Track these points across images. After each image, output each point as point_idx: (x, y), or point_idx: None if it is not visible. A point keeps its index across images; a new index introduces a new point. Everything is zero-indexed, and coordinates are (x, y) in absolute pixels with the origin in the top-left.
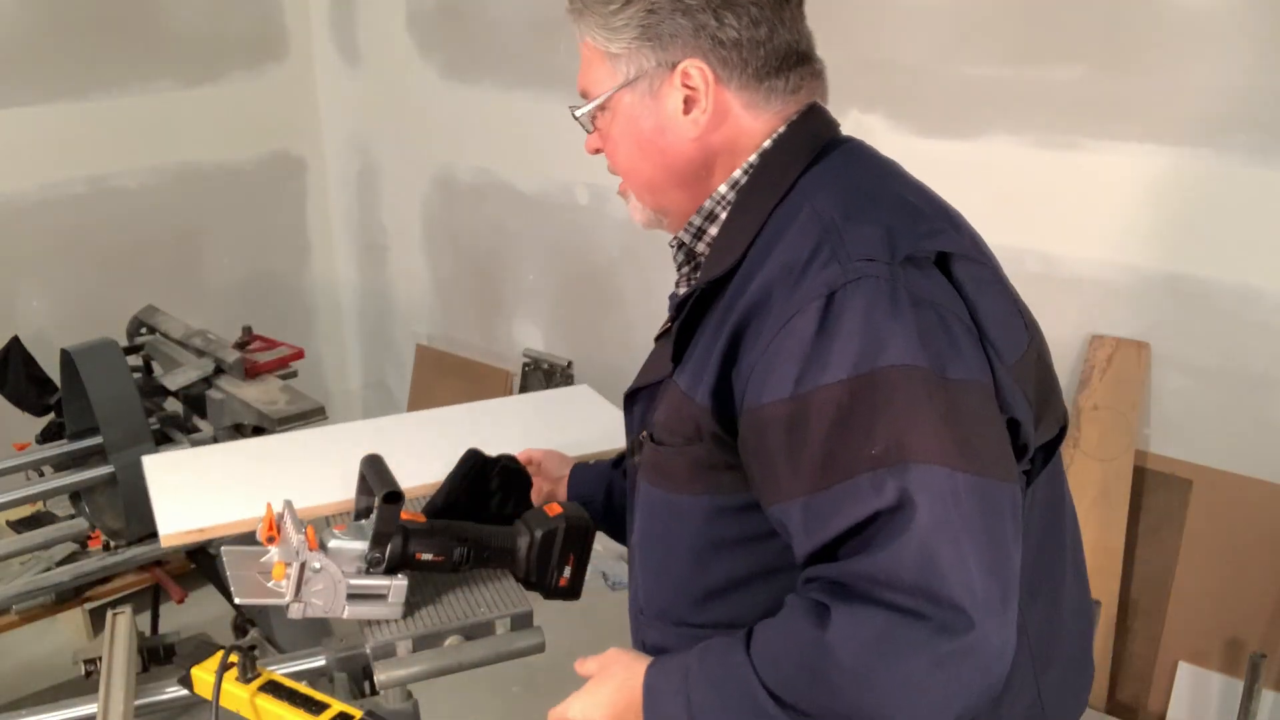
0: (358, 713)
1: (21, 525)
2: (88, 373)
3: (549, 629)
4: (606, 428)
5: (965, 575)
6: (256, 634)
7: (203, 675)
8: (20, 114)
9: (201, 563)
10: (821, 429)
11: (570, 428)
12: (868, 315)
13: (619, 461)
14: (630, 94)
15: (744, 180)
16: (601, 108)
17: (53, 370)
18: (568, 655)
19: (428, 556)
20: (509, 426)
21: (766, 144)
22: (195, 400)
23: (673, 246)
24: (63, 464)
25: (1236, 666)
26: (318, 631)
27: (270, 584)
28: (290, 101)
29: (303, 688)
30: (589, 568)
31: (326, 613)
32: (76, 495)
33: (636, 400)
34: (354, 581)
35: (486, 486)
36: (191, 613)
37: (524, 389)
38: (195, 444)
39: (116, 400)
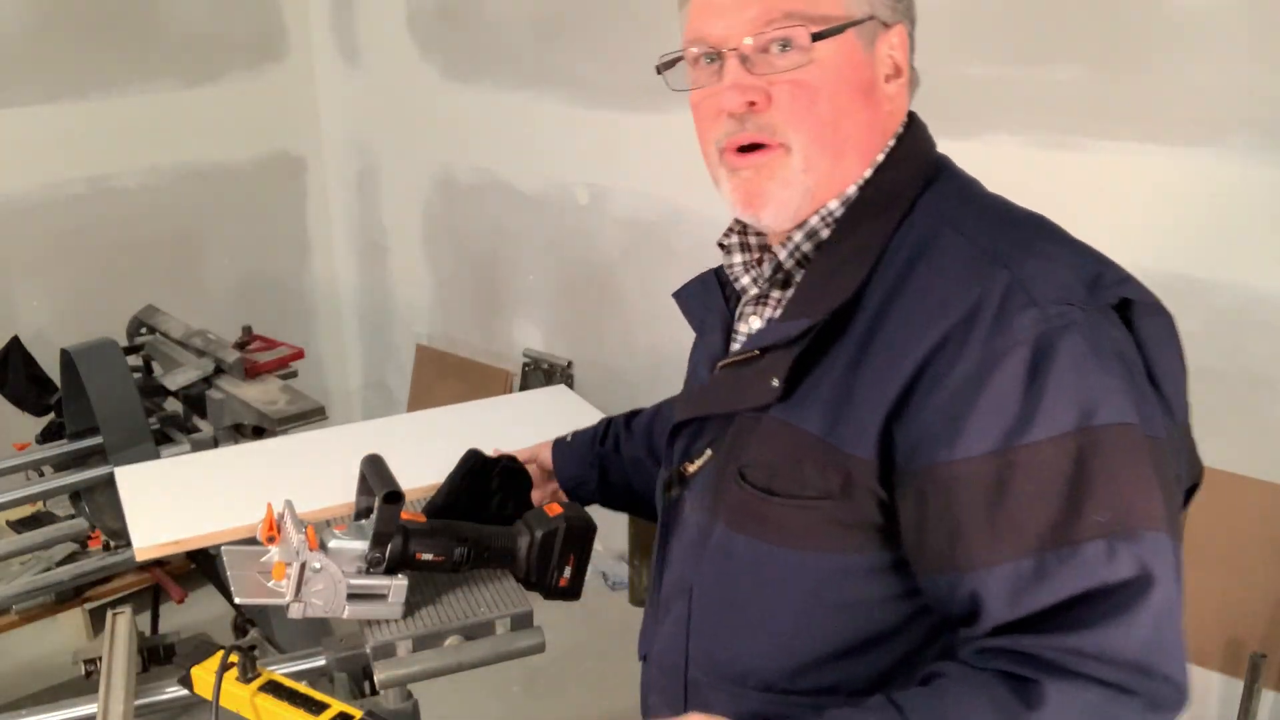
0: (358, 713)
1: (21, 525)
2: (88, 373)
3: (549, 629)
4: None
5: (1180, 648)
6: (256, 634)
7: (203, 675)
8: (20, 114)
9: (201, 563)
10: (1034, 490)
11: (557, 427)
12: (1079, 367)
13: (604, 437)
14: (857, 36)
15: (856, 196)
16: (827, 37)
17: (53, 370)
18: (568, 655)
19: (428, 556)
20: (500, 427)
21: (879, 157)
22: (195, 400)
23: (726, 247)
24: (63, 464)
25: (1236, 666)
26: (318, 631)
27: (270, 584)
28: (290, 101)
29: (303, 688)
30: (589, 568)
31: (326, 613)
32: (76, 495)
33: (684, 430)
34: (354, 581)
35: (487, 486)
36: (191, 613)
37: (524, 389)
38: (195, 444)
39: (116, 400)
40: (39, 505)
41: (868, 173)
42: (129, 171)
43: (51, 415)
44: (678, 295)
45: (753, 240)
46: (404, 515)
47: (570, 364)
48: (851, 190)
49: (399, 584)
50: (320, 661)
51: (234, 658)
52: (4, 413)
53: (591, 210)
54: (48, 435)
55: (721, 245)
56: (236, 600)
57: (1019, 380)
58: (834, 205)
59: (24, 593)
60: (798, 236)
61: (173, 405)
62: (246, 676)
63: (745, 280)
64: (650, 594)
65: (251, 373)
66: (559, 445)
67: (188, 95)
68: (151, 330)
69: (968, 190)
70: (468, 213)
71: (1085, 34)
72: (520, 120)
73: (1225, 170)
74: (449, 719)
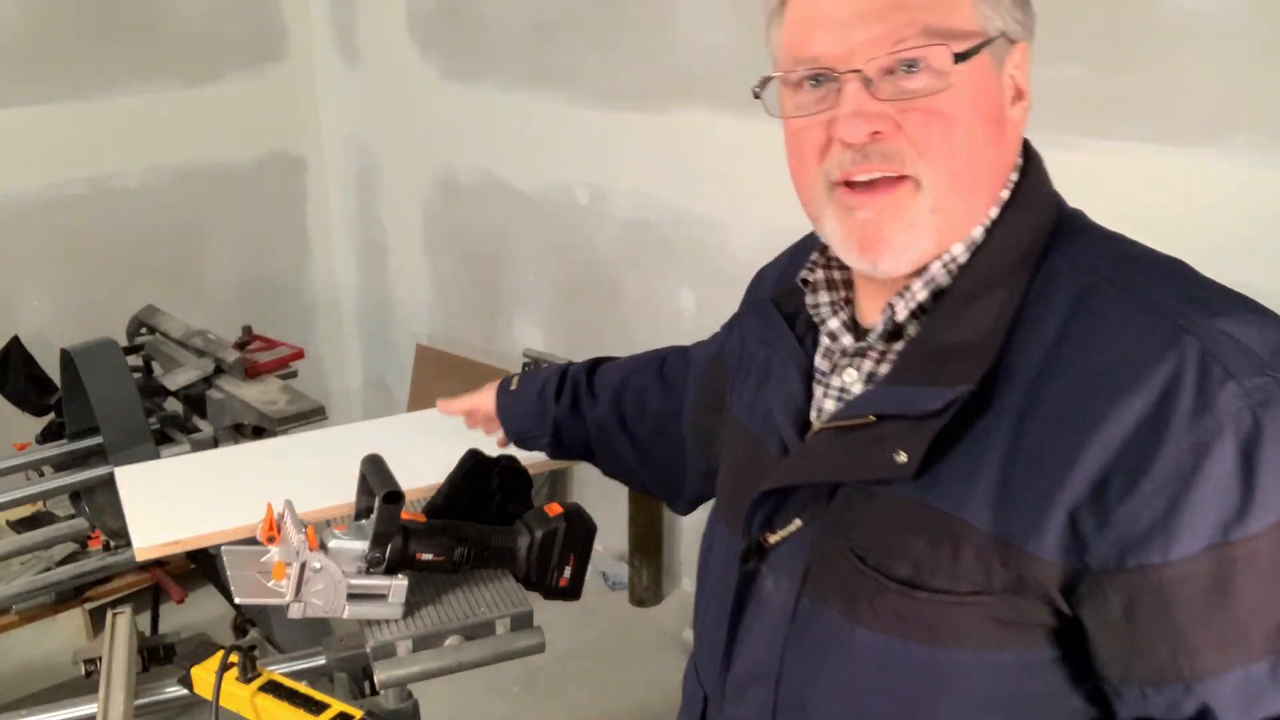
0: (358, 713)
1: (21, 525)
2: (88, 373)
3: (549, 629)
4: None
5: None
6: (256, 634)
7: (203, 675)
8: (20, 114)
9: (201, 563)
10: (1259, 586)
11: None
12: None
13: (559, 391)
14: (990, 55)
15: (982, 240)
16: (968, 57)
17: (53, 370)
18: (568, 655)
19: (428, 556)
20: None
21: (1004, 194)
22: (195, 400)
23: (811, 284)
24: (63, 464)
25: None
26: (318, 631)
27: (270, 584)
28: (290, 101)
29: (303, 688)
30: (589, 568)
31: (326, 613)
32: (76, 495)
33: (768, 497)
34: (354, 581)
35: (487, 486)
36: (191, 613)
37: None
38: (195, 444)
39: (116, 400)
40: (39, 505)
41: (994, 212)
42: (129, 171)
43: (51, 415)
44: (730, 328)
45: (838, 275)
46: (404, 515)
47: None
48: (977, 233)
49: (399, 584)
50: (320, 661)
51: (234, 658)
52: (4, 413)
53: (591, 210)
54: (48, 435)
55: (804, 281)
56: (236, 600)
57: (1231, 467)
58: (958, 250)
59: (24, 593)
60: (917, 285)
61: (173, 405)
62: (246, 676)
63: (834, 324)
64: (709, 673)
65: (251, 373)
66: (504, 393)
67: (188, 95)
68: (151, 330)
69: (1101, 232)
70: (468, 213)
71: (1085, 34)
72: (520, 120)
73: (1226, 170)
74: (449, 719)
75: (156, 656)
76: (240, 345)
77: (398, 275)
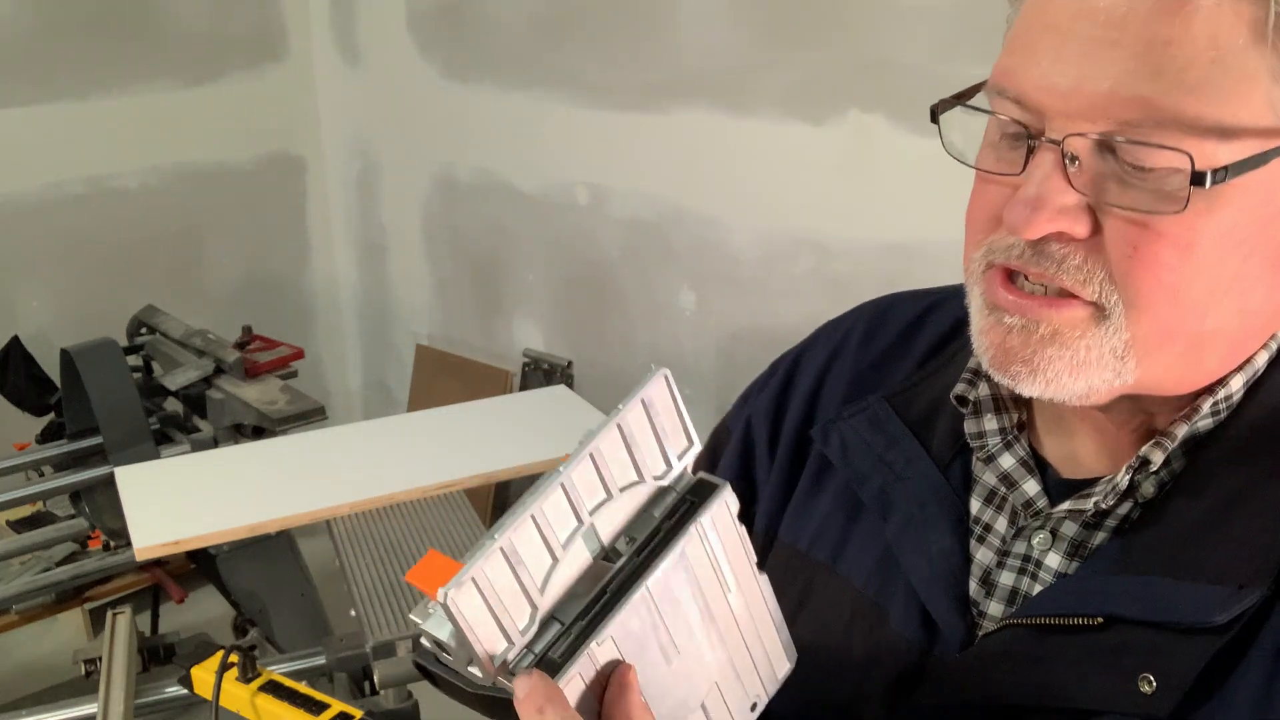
0: (358, 713)
1: (21, 525)
2: (88, 373)
3: None
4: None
5: None
6: (256, 634)
7: (203, 675)
8: (20, 114)
9: (201, 563)
10: None
11: (557, 427)
12: None
13: None
14: None
15: (1265, 368)
16: (1225, 180)
17: (53, 370)
18: None
19: None
20: (500, 427)
21: None
22: (195, 400)
23: (975, 402)
24: (63, 464)
25: None
26: (318, 631)
27: None
28: (290, 101)
29: (303, 688)
30: None
31: None
32: (76, 495)
33: (916, 714)
34: None
35: None
36: (191, 613)
37: (524, 389)
38: (195, 444)
39: (116, 400)
40: (39, 505)
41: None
42: (129, 171)
43: (51, 415)
44: (822, 433)
45: (1006, 390)
46: None
47: (570, 364)
48: (1261, 361)
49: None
50: (320, 661)
51: (234, 658)
52: (4, 413)
53: (591, 210)
54: (48, 435)
55: (961, 398)
56: None
57: None
58: (1236, 386)
59: (24, 593)
60: (1180, 430)
61: (173, 405)
62: (246, 676)
63: (1009, 464)
64: None
65: (251, 373)
66: None
67: (188, 95)
68: (151, 330)
69: None
70: (468, 213)
71: None
72: (520, 120)
73: None
74: (449, 719)
75: (156, 656)
76: (240, 345)
77: (398, 275)
